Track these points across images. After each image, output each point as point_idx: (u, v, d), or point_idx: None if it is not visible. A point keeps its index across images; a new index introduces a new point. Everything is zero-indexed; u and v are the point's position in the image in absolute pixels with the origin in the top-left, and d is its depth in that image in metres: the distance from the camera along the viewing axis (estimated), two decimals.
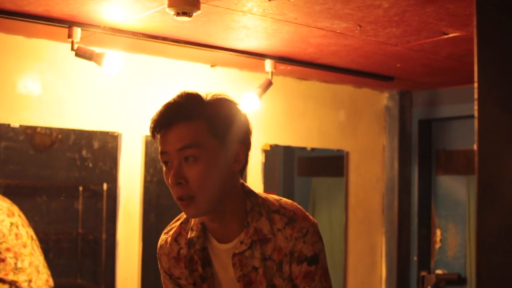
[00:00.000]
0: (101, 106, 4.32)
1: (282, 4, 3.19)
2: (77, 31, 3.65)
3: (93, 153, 4.69)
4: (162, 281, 1.99)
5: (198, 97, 1.79)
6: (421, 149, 5.80)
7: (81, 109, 4.24)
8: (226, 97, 1.84)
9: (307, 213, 1.82)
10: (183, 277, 1.89)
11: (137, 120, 4.45)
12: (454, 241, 5.64)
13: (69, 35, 3.66)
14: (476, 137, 1.07)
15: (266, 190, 5.13)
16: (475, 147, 1.08)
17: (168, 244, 1.93)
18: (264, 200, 1.83)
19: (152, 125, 1.76)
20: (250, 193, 1.84)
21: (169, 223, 2.02)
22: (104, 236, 4.90)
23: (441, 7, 3.20)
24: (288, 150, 5.76)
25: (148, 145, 4.55)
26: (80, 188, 5.16)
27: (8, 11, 3.42)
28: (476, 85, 1.07)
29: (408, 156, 5.76)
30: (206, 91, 1.83)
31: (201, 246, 1.83)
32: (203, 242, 1.84)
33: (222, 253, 1.82)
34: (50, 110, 4.13)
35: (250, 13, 3.37)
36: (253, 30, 3.71)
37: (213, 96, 1.81)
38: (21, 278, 3.65)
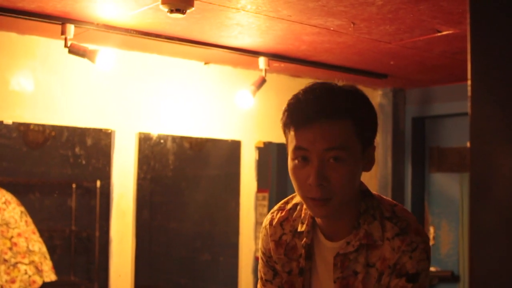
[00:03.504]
0: (94, 103, 4.31)
1: (276, 1, 3.19)
2: (70, 28, 3.65)
3: (86, 150, 4.69)
4: (259, 261, 1.94)
5: (343, 93, 1.66)
6: (414, 147, 5.81)
7: (74, 106, 4.23)
8: (364, 94, 1.72)
9: (420, 226, 1.72)
10: (279, 263, 1.83)
11: (131, 117, 4.45)
12: (447, 238, 5.66)
13: (62, 32, 3.65)
14: (469, 135, 1.08)
15: (259, 187, 5.13)
16: (468, 144, 1.08)
17: (272, 226, 1.86)
18: (379, 203, 1.74)
19: (291, 115, 1.66)
20: (367, 192, 1.75)
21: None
22: (97, 233, 4.91)
23: (434, 4, 3.20)
24: (281, 147, 5.75)
25: (141, 142, 4.55)
26: (73, 185, 5.16)
27: (0, 8, 3.41)
28: (469, 82, 1.07)
29: (402, 154, 5.77)
30: (336, 81, 1.69)
31: (310, 240, 1.77)
32: (312, 236, 1.78)
33: (327, 250, 1.75)
34: (43, 107, 4.12)
35: (244, 10, 3.37)
36: (246, 27, 3.71)
37: (353, 91, 1.69)
38: (36, 258, 3.79)
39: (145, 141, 4.62)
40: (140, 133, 4.50)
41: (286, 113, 1.67)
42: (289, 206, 1.87)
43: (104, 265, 4.53)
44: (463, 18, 3.43)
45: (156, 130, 4.62)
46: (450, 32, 3.71)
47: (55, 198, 4.94)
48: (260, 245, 1.92)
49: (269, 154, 6.07)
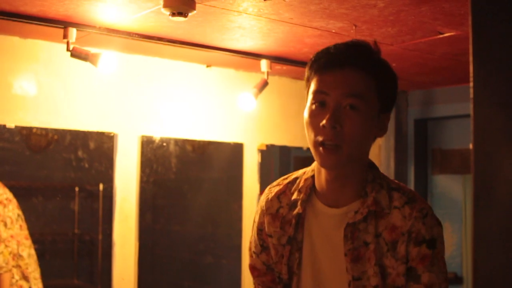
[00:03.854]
0: (97, 106, 4.31)
1: (278, 4, 3.19)
2: (73, 32, 3.65)
3: (89, 154, 4.69)
4: (252, 234, 1.94)
5: (373, 51, 1.73)
6: (417, 149, 5.81)
7: (76, 109, 4.24)
8: (390, 64, 1.78)
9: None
10: (275, 236, 1.81)
11: (133, 121, 4.45)
12: (450, 240, 5.65)
13: (65, 36, 3.65)
14: (471, 136, 1.08)
15: (262, 190, 5.13)
16: (471, 146, 1.08)
17: (269, 200, 1.86)
18: (385, 176, 1.77)
19: (318, 60, 1.71)
20: (373, 165, 1.77)
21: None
22: (100, 237, 4.90)
23: (436, 6, 3.20)
24: (284, 150, 5.77)
25: (144, 145, 4.55)
26: (76, 189, 5.16)
27: (3, 12, 3.42)
28: (471, 84, 1.07)
29: (404, 156, 5.76)
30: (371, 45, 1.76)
31: (303, 209, 1.77)
32: (306, 207, 1.77)
33: (328, 219, 1.74)
34: (45, 110, 4.13)
35: (246, 13, 3.37)
36: (248, 30, 3.71)
37: (381, 57, 1.76)
38: (22, 264, 3.78)
39: (147, 144, 4.62)
40: (142, 136, 4.50)
41: (313, 59, 1.72)
42: (287, 180, 1.88)
43: (107, 268, 4.53)
44: (464, 20, 3.43)
45: (158, 133, 4.63)
46: (452, 34, 3.71)
47: (58, 202, 4.94)
48: (254, 218, 1.92)
49: (272, 156, 6.06)
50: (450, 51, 4.17)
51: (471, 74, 1.07)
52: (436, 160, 5.84)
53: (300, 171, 1.86)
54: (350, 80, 1.65)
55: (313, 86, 1.69)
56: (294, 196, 1.80)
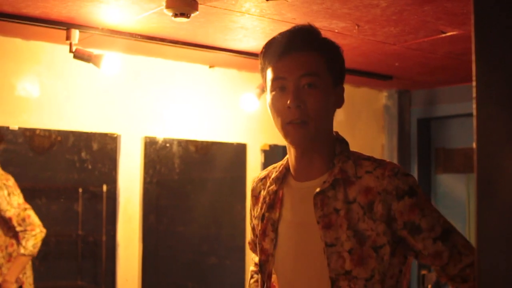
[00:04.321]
0: (100, 107, 4.32)
1: (280, 5, 3.19)
2: (75, 33, 3.65)
3: (92, 155, 4.70)
4: None
5: (317, 32, 1.85)
6: (420, 148, 5.80)
7: (80, 111, 4.24)
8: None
9: None
10: (257, 217, 1.95)
11: (136, 122, 4.45)
12: None
13: (67, 37, 3.66)
14: (475, 136, 1.08)
15: None
16: (474, 145, 1.08)
17: (255, 183, 2.03)
18: (355, 151, 1.86)
19: (268, 50, 1.85)
20: (343, 140, 1.87)
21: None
22: (104, 238, 4.91)
23: (438, 5, 3.20)
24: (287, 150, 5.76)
25: (147, 146, 4.55)
26: (80, 190, 5.17)
27: (5, 14, 3.42)
28: (474, 83, 1.07)
29: (408, 155, 5.76)
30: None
31: (278, 187, 1.88)
32: (283, 187, 1.88)
33: (300, 192, 1.83)
34: (49, 112, 4.13)
35: (248, 14, 3.37)
36: (251, 30, 3.71)
37: (324, 37, 1.87)
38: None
39: (150, 145, 4.62)
40: (145, 137, 4.51)
41: (264, 50, 1.87)
42: (273, 166, 2.00)
43: (111, 269, 4.53)
44: (467, 19, 3.43)
45: (161, 134, 4.63)
46: (455, 33, 3.71)
47: (61, 203, 4.95)
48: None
49: (275, 156, 6.05)
50: (453, 50, 4.16)
51: (473, 73, 1.07)
52: (439, 159, 5.83)
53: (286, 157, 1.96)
54: (302, 61, 1.78)
55: (270, 75, 1.82)
56: (272, 176, 1.92)
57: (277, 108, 1.79)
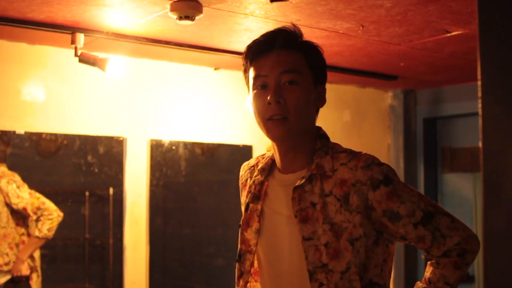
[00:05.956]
0: (106, 111, 4.32)
1: (284, 6, 3.19)
2: (80, 37, 3.66)
3: (99, 158, 4.70)
4: None
5: (297, 32, 1.87)
6: (426, 148, 5.79)
7: (85, 114, 4.25)
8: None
9: None
10: (244, 206, 1.96)
11: (142, 125, 4.46)
12: None
13: (72, 41, 3.67)
14: (480, 135, 1.08)
15: None
16: (480, 144, 1.08)
17: (243, 171, 2.05)
18: (335, 144, 1.88)
19: (250, 50, 1.86)
20: (324, 136, 1.90)
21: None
22: (111, 241, 4.91)
23: (443, 5, 3.20)
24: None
25: (153, 149, 4.56)
26: (86, 193, 5.17)
27: (11, 19, 3.43)
28: (479, 83, 1.07)
29: (414, 155, 5.75)
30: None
31: (264, 177, 1.91)
32: (269, 179, 1.90)
33: (282, 187, 1.85)
34: (54, 116, 4.14)
35: (252, 16, 3.37)
36: (255, 32, 3.71)
37: (305, 39, 1.90)
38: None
39: (157, 148, 4.63)
40: (151, 140, 4.51)
41: (246, 51, 1.88)
42: (261, 154, 2.03)
43: (118, 272, 4.54)
44: (472, 18, 3.42)
45: (167, 136, 4.63)
46: (460, 32, 3.70)
47: (68, 207, 4.94)
48: None
49: None
50: (457, 49, 4.16)
51: (479, 72, 1.07)
52: (445, 158, 5.82)
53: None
54: (283, 59, 1.81)
55: (252, 73, 1.85)
56: (259, 167, 1.95)
57: (259, 105, 1.83)
